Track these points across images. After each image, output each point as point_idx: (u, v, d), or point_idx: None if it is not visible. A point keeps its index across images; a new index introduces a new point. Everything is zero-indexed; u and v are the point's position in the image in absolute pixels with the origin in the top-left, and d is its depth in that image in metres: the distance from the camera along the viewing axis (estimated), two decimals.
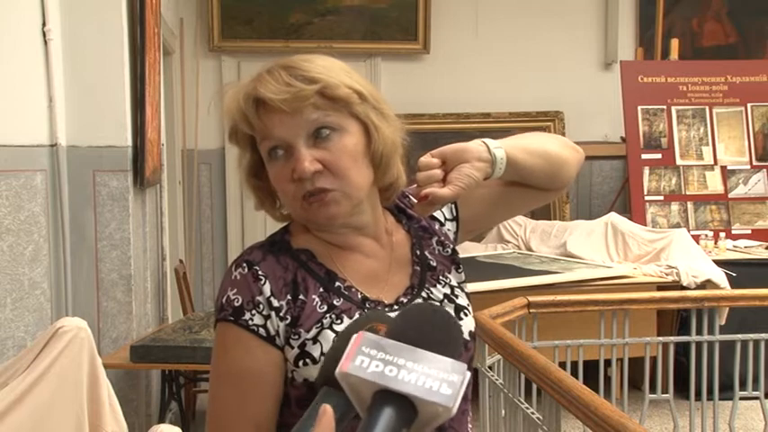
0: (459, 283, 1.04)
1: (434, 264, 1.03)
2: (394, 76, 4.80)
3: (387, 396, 0.58)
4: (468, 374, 0.60)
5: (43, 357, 1.93)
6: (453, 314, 0.99)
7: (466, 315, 1.01)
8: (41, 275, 2.51)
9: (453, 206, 1.10)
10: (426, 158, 0.94)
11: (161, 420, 2.86)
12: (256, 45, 4.50)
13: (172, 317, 3.52)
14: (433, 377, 0.58)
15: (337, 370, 0.59)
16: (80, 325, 2.00)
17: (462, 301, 1.02)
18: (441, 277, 1.02)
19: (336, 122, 0.92)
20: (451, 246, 1.07)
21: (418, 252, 1.03)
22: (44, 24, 2.56)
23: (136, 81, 2.84)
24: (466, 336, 0.99)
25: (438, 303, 0.99)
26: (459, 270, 1.05)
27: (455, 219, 1.10)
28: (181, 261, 3.90)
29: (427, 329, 0.63)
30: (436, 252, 1.05)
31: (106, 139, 2.75)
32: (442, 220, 1.09)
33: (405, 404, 0.58)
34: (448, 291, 1.01)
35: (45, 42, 2.57)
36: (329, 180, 0.91)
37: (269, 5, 4.57)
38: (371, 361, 0.58)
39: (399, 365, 0.58)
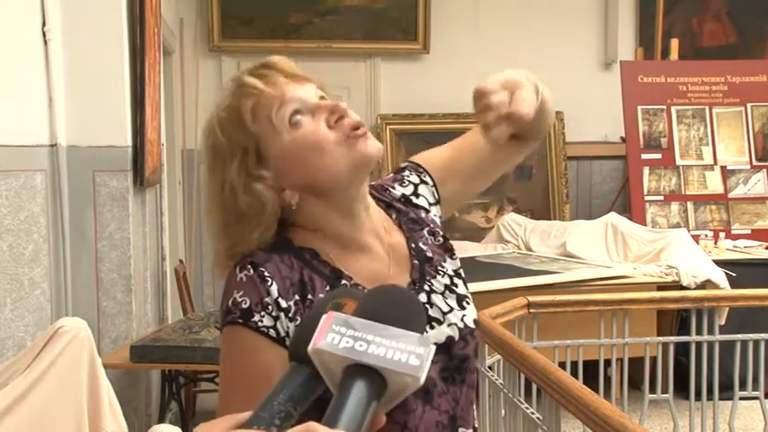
0: (455, 271, 1.04)
1: (430, 254, 1.03)
2: (394, 76, 4.80)
3: (357, 370, 0.61)
4: (433, 348, 0.63)
5: (43, 357, 1.93)
6: (456, 305, 0.99)
7: (468, 304, 1.01)
8: (41, 275, 2.51)
9: (435, 189, 1.10)
10: (484, 85, 0.98)
11: (161, 420, 2.86)
12: (256, 45, 4.50)
13: (172, 317, 3.52)
14: (401, 350, 0.61)
15: (310, 347, 0.62)
16: (80, 325, 2.00)
17: (462, 290, 1.02)
18: (439, 267, 1.02)
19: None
20: (442, 233, 1.07)
21: (413, 245, 1.02)
22: (44, 24, 2.56)
23: (136, 81, 2.84)
24: (470, 324, 0.99)
25: (440, 296, 0.99)
26: (454, 257, 1.06)
27: (438, 201, 1.11)
28: (181, 261, 3.90)
29: (393, 308, 0.67)
30: (429, 242, 1.04)
31: (106, 139, 2.76)
32: (427, 206, 1.09)
33: (375, 377, 0.61)
34: (447, 281, 1.01)
35: (45, 42, 2.57)
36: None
37: (269, 5, 4.57)
38: (342, 337, 0.62)
39: (368, 341, 0.61)
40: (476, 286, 3.18)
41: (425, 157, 1.14)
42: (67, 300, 2.65)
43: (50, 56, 2.58)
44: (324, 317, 0.63)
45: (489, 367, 1.99)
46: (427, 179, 1.11)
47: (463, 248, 4.17)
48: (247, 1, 4.56)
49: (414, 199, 1.08)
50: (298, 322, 0.91)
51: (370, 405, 0.60)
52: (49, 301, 2.55)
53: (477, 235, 4.59)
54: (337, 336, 0.62)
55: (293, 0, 4.61)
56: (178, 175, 4.41)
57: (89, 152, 2.73)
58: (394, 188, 1.09)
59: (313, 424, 0.59)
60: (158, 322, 3.29)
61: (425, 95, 4.72)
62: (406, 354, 0.61)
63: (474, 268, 3.61)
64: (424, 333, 0.67)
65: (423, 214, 1.08)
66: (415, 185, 1.10)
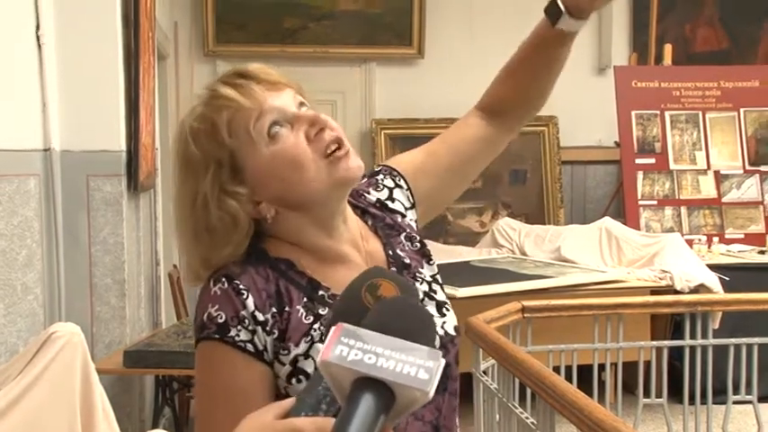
0: (433, 276, 1.02)
1: (408, 261, 1.01)
2: (389, 80, 4.80)
3: (365, 383, 0.60)
4: (443, 362, 0.62)
5: (36, 363, 1.92)
6: (435, 312, 0.98)
7: (447, 311, 1.00)
8: (34, 280, 2.50)
9: (410, 192, 1.08)
10: None
11: (154, 426, 2.85)
12: (251, 50, 4.49)
13: (165, 322, 3.51)
14: (410, 363, 0.60)
15: (318, 360, 0.62)
16: (73, 330, 1.99)
17: (441, 296, 1.01)
18: (417, 274, 1.01)
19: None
20: (419, 238, 1.05)
21: (391, 252, 1.01)
22: (38, 28, 2.55)
23: (130, 85, 2.83)
24: (451, 331, 0.98)
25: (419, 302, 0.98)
26: (431, 262, 1.04)
27: (413, 205, 1.08)
28: (175, 266, 3.89)
29: (402, 320, 0.66)
30: (407, 248, 1.03)
31: (100, 144, 2.75)
32: (403, 210, 1.07)
33: (383, 390, 0.60)
34: (426, 288, 1.00)
35: (39, 47, 2.57)
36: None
37: (264, 10, 4.57)
38: (351, 350, 0.61)
39: (377, 353, 0.61)
40: (470, 291, 3.19)
41: (399, 160, 1.12)
42: (61, 305, 2.64)
43: (44, 60, 2.58)
44: (333, 329, 0.63)
45: (484, 372, 1.99)
46: (402, 183, 1.08)
47: (458, 253, 4.18)
48: (242, 5, 4.56)
49: (389, 203, 1.06)
50: (275, 335, 0.88)
51: (378, 419, 0.60)
52: (42, 307, 2.54)
53: (471, 239, 4.59)
54: (346, 348, 0.61)
55: (288, 5, 4.61)
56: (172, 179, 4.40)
57: (83, 157, 2.72)
58: (369, 193, 1.06)
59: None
60: (152, 327, 3.28)
61: (420, 100, 4.73)
62: (416, 367, 0.60)
63: (468, 273, 3.61)
64: (435, 346, 0.67)
65: (399, 219, 1.05)
66: (390, 189, 1.07)
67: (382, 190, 1.07)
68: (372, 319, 0.66)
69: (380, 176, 1.09)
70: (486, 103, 1.15)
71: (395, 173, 1.09)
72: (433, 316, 0.92)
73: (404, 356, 0.61)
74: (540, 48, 1.08)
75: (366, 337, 0.62)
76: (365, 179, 1.08)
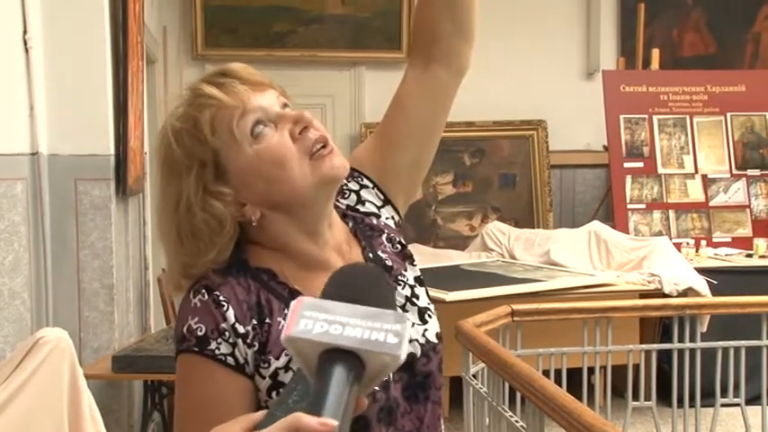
0: (416, 279, 0.99)
1: (390, 263, 0.98)
2: (378, 84, 4.80)
3: (333, 355, 0.58)
4: (410, 323, 0.61)
5: (23, 368, 1.91)
6: (417, 319, 0.95)
7: (430, 317, 0.97)
8: (22, 285, 2.48)
9: (377, 190, 1.03)
10: None
11: (143, 431, 2.83)
12: (240, 53, 4.48)
13: (154, 327, 3.50)
14: (377, 329, 0.59)
15: (282, 336, 0.59)
16: (61, 335, 1.98)
17: (423, 301, 0.98)
18: (399, 277, 0.98)
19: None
20: (399, 240, 1.02)
21: (371, 255, 0.98)
22: (25, 32, 2.54)
23: (118, 89, 2.82)
24: (433, 339, 0.95)
25: (400, 309, 0.94)
26: (414, 263, 1.01)
27: (386, 201, 1.04)
28: (164, 270, 3.87)
29: (362, 286, 0.64)
30: (388, 250, 1.00)
31: (88, 148, 2.73)
32: (376, 210, 1.02)
33: (352, 360, 0.58)
34: (408, 292, 0.97)
35: (26, 50, 2.55)
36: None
37: (253, 14, 4.57)
38: (315, 322, 0.59)
39: (343, 323, 0.59)
40: (460, 294, 3.19)
41: (355, 156, 1.06)
42: (48, 310, 2.62)
43: (31, 64, 2.56)
44: (293, 303, 0.61)
45: (473, 375, 2.00)
46: (366, 182, 1.03)
47: (447, 256, 4.18)
48: (231, 9, 4.55)
49: (360, 207, 1.02)
50: (256, 348, 0.87)
51: (352, 390, 0.58)
52: (30, 312, 2.52)
53: (461, 243, 4.60)
54: (310, 321, 0.59)
55: (277, 9, 4.61)
56: None
57: (71, 161, 2.70)
58: (338, 202, 1.01)
59: (299, 415, 0.58)
60: (141, 332, 3.26)
61: None
62: (383, 333, 0.58)
63: (458, 276, 3.62)
64: (397, 309, 0.65)
65: (374, 221, 1.02)
66: (357, 192, 1.03)
67: (349, 196, 1.03)
68: (332, 289, 0.64)
69: (343, 182, 1.03)
70: (413, 47, 1.09)
71: (355, 174, 1.03)
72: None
73: (370, 323, 0.59)
74: None
75: (329, 308, 0.60)
76: None
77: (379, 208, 1.03)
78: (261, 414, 0.66)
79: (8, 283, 2.41)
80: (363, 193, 1.03)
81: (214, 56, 4.55)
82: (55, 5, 2.65)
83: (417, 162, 1.06)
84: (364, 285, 0.65)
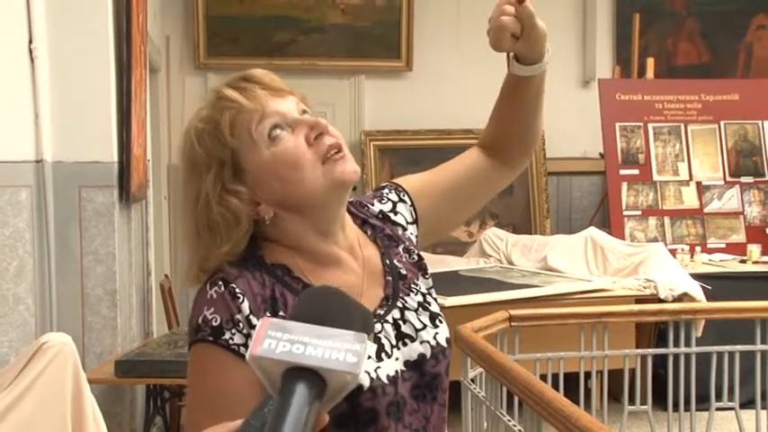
0: (428, 290, 1.04)
1: (404, 272, 1.03)
2: (377, 93, 4.85)
3: (296, 373, 0.62)
4: (370, 343, 0.64)
5: (27, 373, 1.93)
6: (428, 322, 1.00)
7: (441, 322, 1.01)
8: (26, 291, 2.50)
9: (413, 208, 1.11)
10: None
11: None
12: (241, 63, 4.52)
13: (157, 332, 3.52)
14: (337, 349, 0.62)
15: (247, 354, 0.63)
16: (64, 340, 2.00)
17: (435, 308, 1.02)
18: (412, 285, 1.02)
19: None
20: (417, 252, 1.07)
21: (388, 262, 1.02)
22: (30, 42, 2.57)
23: (122, 97, 2.85)
24: (443, 342, 0.99)
25: (413, 312, 0.99)
26: (427, 276, 1.06)
27: (415, 221, 1.11)
28: (166, 276, 3.90)
29: (327, 308, 0.67)
30: (404, 260, 1.04)
31: (92, 155, 2.76)
32: (405, 224, 1.09)
33: (314, 378, 0.62)
34: (420, 299, 1.02)
35: (31, 59, 2.58)
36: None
37: (254, 23, 4.61)
38: (279, 342, 0.62)
39: (305, 342, 0.62)
40: (458, 300, 3.22)
41: (404, 179, 1.15)
42: (52, 315, 2.64)
43: (37, 72, 2.59)
44: (259, 323, 0.64)
45: (472, 380, 2.02)
46: (406, 198, 1.11)
47: (446, 262, 4.21)
48: (233, 19, 4.59)
49: (392, 216, 1.09)
50: None
51: (312, 406, 0.61)
52: (34, 317, 2.54)
53: (459, 249, 4.63)
54: (274, 341, 0.62)
55: (278, 18, 4.65)
56: (164, 190, 4.41)
57: (75, 168, 2.73)
58: (372, 204, 1.09)
59: None
60: (143, 337, 3.29)
61: (409, 112, 4.78)
62: (343, 352, 0.62)
63: (456, 282, 3.64)
64: (370, 325, 0.68)
65: (399, 231, 1.07)
66: (394, 203, 1.10)
67: (386, 203, 1.10)
68: (298, 311, 0.67)
69: (386, 191, 1.12)
70: (481, 140, 1.20)
71: (400, 188, 1.12)
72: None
73: (330, 343, 0.62)
74: (507, 91, 1.16)
75: (293, 328, 0.63)
76: (371, 193, 1.12)
77: (408, 223, 1.10)
78: (237, 424, 0.68)
79: (13, 289, 2.44)
80: (399, 206, 1.10)
81: (216, 65, 4.59)
82: (60, 15, 2.68)
83: (441, 217, 1.16)
84: (330, 307, 0.68)
